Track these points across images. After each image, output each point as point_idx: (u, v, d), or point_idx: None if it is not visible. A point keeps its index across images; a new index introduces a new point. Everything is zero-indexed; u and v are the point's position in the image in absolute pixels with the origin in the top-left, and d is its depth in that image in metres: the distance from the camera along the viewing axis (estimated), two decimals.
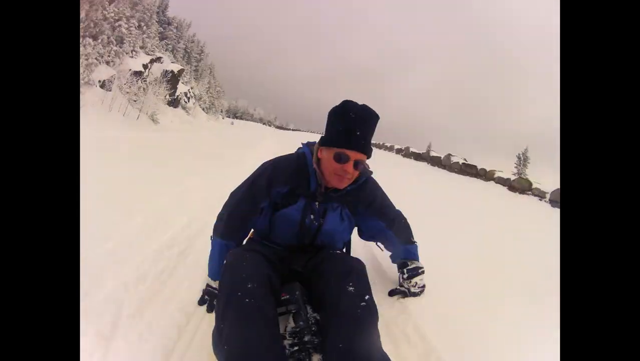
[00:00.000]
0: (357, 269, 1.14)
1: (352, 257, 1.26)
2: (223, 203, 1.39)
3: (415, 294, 1.53)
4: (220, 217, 1.37)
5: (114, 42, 11.37)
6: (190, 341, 1.20)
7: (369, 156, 1.21)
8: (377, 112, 1.21)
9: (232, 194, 1.38)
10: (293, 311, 1.12)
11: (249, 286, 1.00)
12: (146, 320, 1.24)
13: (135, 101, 10.90)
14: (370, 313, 1.02)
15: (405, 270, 1.54)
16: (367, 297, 1.04)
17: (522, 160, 16.80)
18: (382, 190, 1.47)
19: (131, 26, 12.05)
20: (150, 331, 1.19)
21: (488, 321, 1.41)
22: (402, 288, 1.55)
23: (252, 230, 1.43)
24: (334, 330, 0.97)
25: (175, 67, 13.35)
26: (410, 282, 1.53)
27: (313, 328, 1.09)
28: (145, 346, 1.13)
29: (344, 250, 1.52)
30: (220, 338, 0.94)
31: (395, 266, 1.63)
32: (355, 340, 0.93)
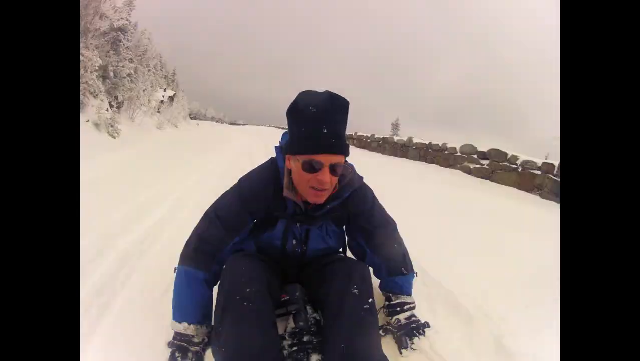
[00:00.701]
0: (361, 273, 1.10)
1: (356, 260, 1.23)
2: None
3: (406, 335, 1.18)
4: (187, 244, 1.13)
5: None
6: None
7: (346, 155, 1.00)
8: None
9: (205, 216, 1.15)
10: (293, 312, 1.12)
11: (247, 290, 0.97)
12: None
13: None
14: (372, 316, 1.02)
15: (391, 305, 1.25)
16: (370, 300, 1.03)
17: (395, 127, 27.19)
18: (374, 200, 1.23)
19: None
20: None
21: None
22: (387, 327, 1.23)
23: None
24: (335, 331, 0.97)
25: (171, 92, 19.22)
26: (391, 319, 1.23)
27: (312, 329, 1.10)
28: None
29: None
30: (218, 341, 0.93)
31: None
32: (357, 342, 0.93)
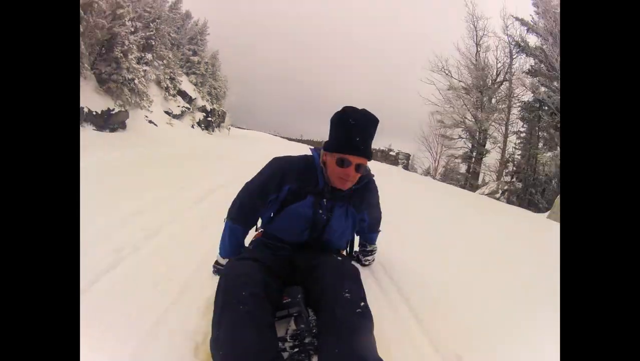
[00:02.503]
0: (352, 275, 1.16)
1: (347, 262, 1.28)
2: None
3: (364, 265, 1.90)
4: (233, 203, 1.46)
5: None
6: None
7: (369, 159, 1.30)
8: None
9: (246, 185, 1.46)
10: (295, 314, 1.12)
11: (243, 293, 1.02)
12: None
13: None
14: (366, 319, 1.03)
15: (365, 250, 1.88)
16: (362, 303, 1.05)
17: None
18: (377, 193, 1.57)
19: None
20: None
21: None
22: (358, 258, 1.89)
23: (260, 230, 1.55)
24: (329, 336, 0.98)
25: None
26: (363, 258, 1.88)
27: (314, 331, 1.09)
28: None
29: (347, 249, 1.70)
30: (216, 344, 0.95)
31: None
32: (351, 346, 0.94)
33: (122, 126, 8.26)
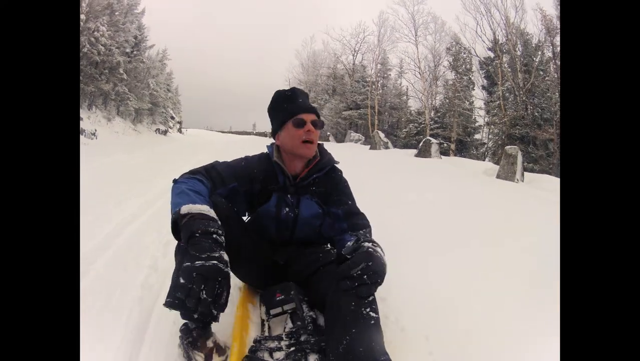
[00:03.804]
0: None
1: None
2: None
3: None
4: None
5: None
6: None
7: (318, 115, 1.31)
8: None
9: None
10: (290, 311, 1.11)
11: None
12: None
13: None
14: (374, 312, 0.99)
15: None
16: (370, 297, 1.01)
17: None
18: (345, 180, 1.41)
19: None
20: None
21: None
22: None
23: None
24: (335, 331, 0.96)
25: None
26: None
27: (309, 328, 1.09)
28: None
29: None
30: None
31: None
32: (357, 341, 0.92)
33: None
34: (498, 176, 6.23)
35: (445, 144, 16.54)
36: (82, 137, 9.18)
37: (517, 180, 6.06)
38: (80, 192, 0.88)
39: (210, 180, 1.21)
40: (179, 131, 22.56)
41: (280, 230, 1.33)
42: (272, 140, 1.39)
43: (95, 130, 10.56)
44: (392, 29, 19.93)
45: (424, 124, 18.56)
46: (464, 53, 18.89)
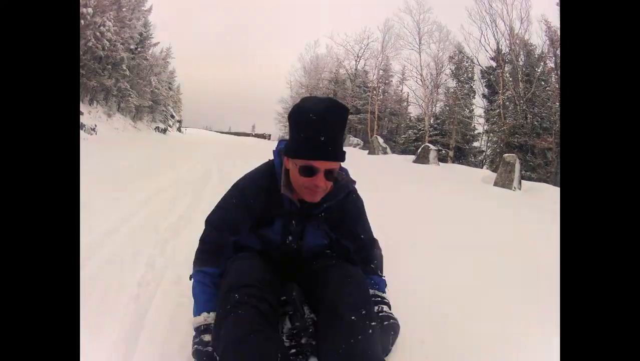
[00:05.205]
0: (356, 278, 1.08)
1: (351, 266, 1.18)
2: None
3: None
4: (197, 250, 1.18)
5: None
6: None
7: (342, 160, 1.04)
8: None
9: (208, 222, 1.20)
10: (290, 313, 1.11)
11: (246, 297, 0.96)
12: None
13: None
14: (370, 320, 0.98)
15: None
16: (367, 305, 1.01)
17: None
18: (362, 207, 1.25)
19: None
20: None
21: None
22: None
23: None
24: (331, 336, 0.95)
25: None
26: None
27: (310, 330, 1.08)
28: None
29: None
30: (218, 347, 0.92)
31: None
32: (355, 346, 0.91)
33: None
34: (495, 184, 6.23)
35: (443, 151, 16.63)
36: (81, 132, 9.08)
37: (515, 188, 6.07)
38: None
39: (219, 257, 1.13)
40: (179, 130, 22.87)
41: (285, 260, 1.20)
42: (275, 141, 1.31)
43: (95, 125, 10.48)
44: (397, 36, 20.18)
45: (423, 130, 18.67)
46: (467, 62, 19.07)
